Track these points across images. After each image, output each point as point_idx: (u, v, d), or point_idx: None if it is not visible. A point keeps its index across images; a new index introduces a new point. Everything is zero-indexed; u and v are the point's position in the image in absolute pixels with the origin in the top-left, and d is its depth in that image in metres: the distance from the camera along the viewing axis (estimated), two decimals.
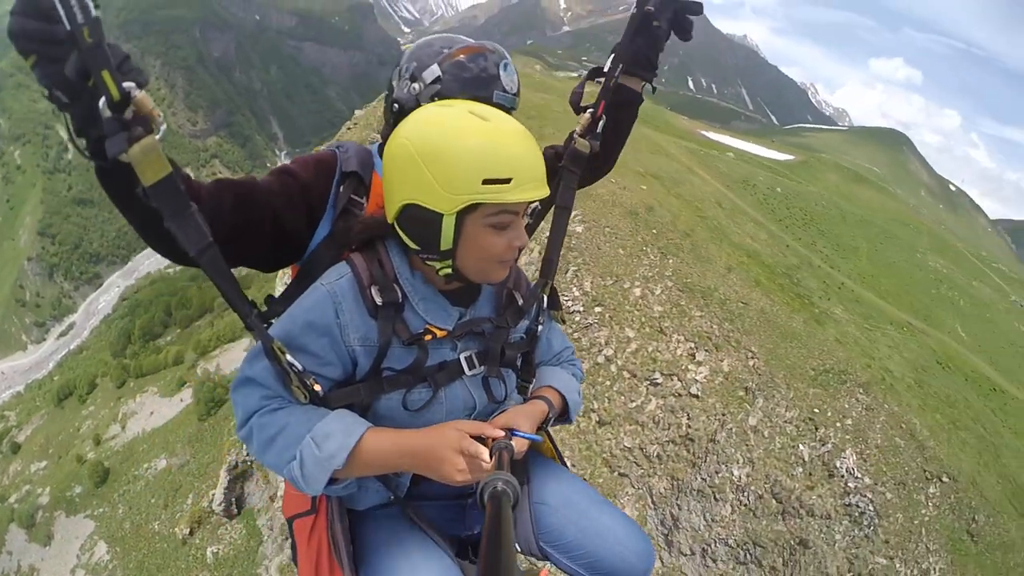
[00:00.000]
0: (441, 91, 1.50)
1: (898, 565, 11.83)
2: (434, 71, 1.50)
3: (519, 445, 1.27)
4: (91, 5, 0.87)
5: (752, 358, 12.25)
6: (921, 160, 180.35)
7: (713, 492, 11.28)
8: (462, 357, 1.38)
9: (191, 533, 26.59)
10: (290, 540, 1.59)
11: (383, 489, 1.41)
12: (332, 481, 1.21)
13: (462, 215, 1.19)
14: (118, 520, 32.27)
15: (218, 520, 25.74)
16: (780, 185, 34.27)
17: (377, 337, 1.27)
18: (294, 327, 1.24)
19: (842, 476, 11.85)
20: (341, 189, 1.46)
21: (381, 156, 1.56)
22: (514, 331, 1.50)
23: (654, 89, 1.69)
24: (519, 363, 1.58)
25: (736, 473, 11.29)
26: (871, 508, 11.72)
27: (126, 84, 0.95)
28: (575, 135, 1.67)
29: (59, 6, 0.85)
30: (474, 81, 1.50)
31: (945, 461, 13.11)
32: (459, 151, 1.15)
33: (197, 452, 33.42)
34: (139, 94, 0.97)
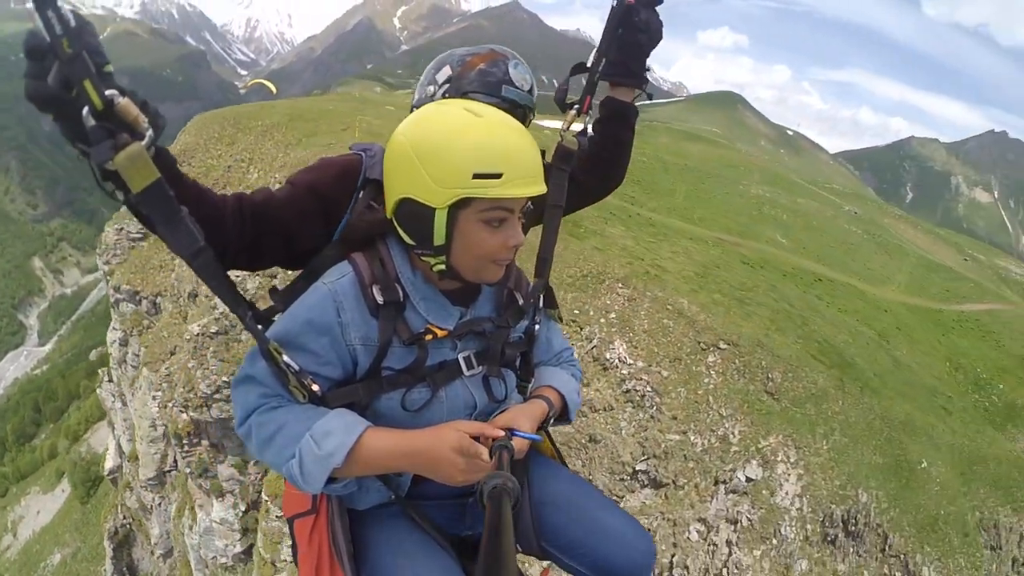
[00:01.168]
0: (452, 90, 1.64)
1: (692, 437, 12.66)
2: (446, 72, 1.67)
3: (519, 445, 1.32)
4: (70, 17, 0.90)
5: None
6: (757, 114, 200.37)
7: None
8: (460, 357, 1.43)
9: None
10: (291, 540, 1.62)
11: (384, 488, 1.44)
12: (331, 480, 1.24)
13: (455, 210, 1.24)
14: None
15: None
16: None
17: (377, 336, 1.32)
18: (294, 326, 1.29)
19: (615, 366, 12.69)
20: (361, 194, 1.50)
21: None
22: (514, 331, 1.57)
23: (649, 96, 1.76)
24: (518, 363, 1.66)
25: None
26: (649, 389, 12.60)
27: (108, 92, 0.97)
28: (561, 132, 1.74)
29: (38, 19, 0.88)
30: (484, 80, 1.64)
31: (720, 330, 14.32)
32: (450, 146, 1.21)
33: (86, 536, 35.04)
34: (122, 101, 0.99)
